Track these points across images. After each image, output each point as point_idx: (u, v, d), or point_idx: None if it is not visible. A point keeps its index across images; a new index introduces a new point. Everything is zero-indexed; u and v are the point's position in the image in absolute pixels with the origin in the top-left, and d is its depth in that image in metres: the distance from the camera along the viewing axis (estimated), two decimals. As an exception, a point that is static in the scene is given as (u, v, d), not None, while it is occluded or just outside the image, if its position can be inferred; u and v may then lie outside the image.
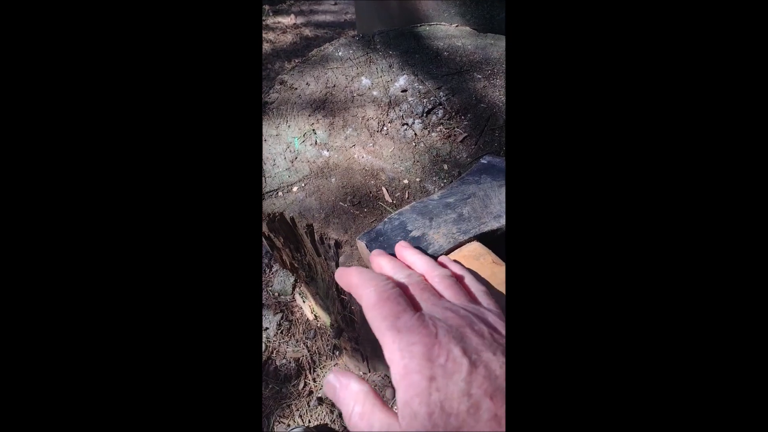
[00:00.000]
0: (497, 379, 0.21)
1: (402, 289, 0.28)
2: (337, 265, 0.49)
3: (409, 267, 0.32)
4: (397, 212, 0.43)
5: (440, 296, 0.28)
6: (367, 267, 0.45)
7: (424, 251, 0.36)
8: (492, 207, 0.43)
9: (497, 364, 0.22)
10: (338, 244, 0.47)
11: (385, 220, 0.42)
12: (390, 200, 0.49)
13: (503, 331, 0.25)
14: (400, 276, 0.30)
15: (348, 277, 0.29)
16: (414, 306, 0.26)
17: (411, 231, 0.40)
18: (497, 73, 0.63)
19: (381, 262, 0.33)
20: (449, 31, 0.71)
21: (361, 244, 0.41)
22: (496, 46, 0.67)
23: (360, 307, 0.58)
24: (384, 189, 0.50)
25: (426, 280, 0.30)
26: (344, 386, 0.25)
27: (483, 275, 0.35)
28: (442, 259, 0.34)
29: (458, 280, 0.30)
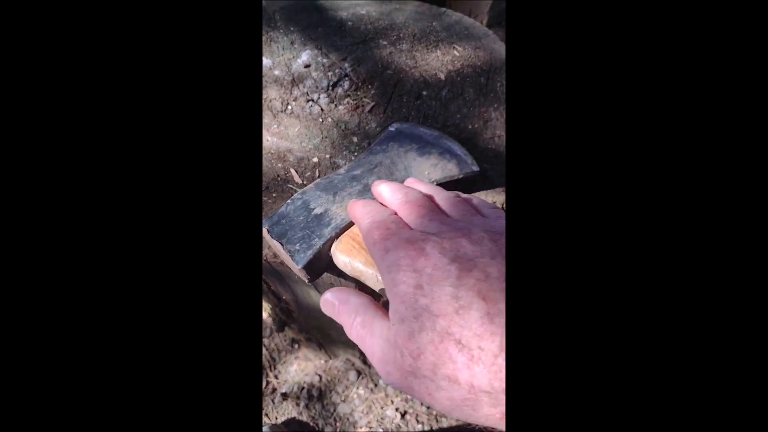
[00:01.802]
0: (494, 281, 0.21)
1: (400, 209, 0.29)
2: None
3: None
4: (300, 192, 0.41)
5: (442, 213, 0.28)
6: (275, 252, 0.43)
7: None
8: (397, 173, 0.42)
9: (495, 267, 0.22)
10: (249, 235, 0.44)
11: (288, 202, 0.40)
12: (300, 181, 0.47)
13: None
14: (398, 196, 0.30)
15: (353, 212, 0.31)
16: (409, 225, 0.27)
17: (314, 209, 0.38)
18: (403, 37, 0.61)
19: (381, 188, 0.32)
20: (353, 1, 0.68)
21: (263, 230, 0.39)
22: (401, 11, 0.65)
23: (293, 295, 0.56)
24: (293, 170, 0.48)
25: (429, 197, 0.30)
26: (344, 301, 0.26)
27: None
28: (455, 194, 0.34)
29: (466, 200, 0.30)
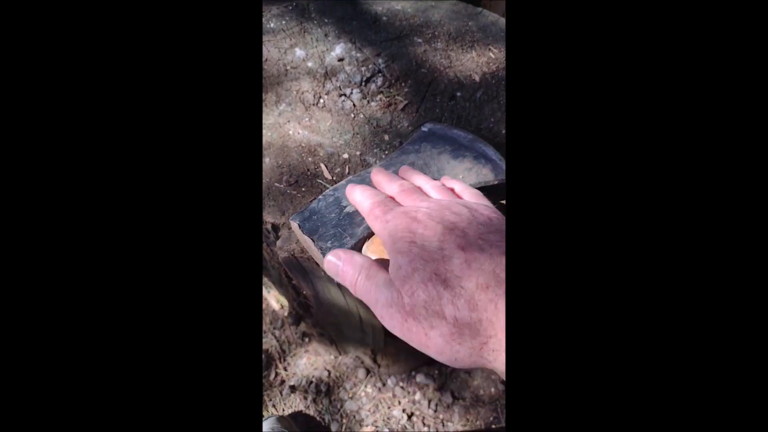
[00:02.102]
0: (470, 238, 0.25)
1: (396, 196, 0.33)
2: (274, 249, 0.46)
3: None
4: (332, 188, 0.40)
5: (429, 197, 0.32)
6: (302, 246, 0.42)
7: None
8: (430, 175, 0.41)
9: (471, 230, 0.26)
10: (276, 228, 0.44)
11: (320, 197, 0.40)
12: (329, 177, 0.47)
13: (485, 212, 0.28)
14: (394, 186, 0.34)
15: (352, 197, 0.34)
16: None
17: (345, 207, 0.38)
18: (438, 36, 0.60)
19: (378, 177, 0.37)
20: (388, -5, 0.67)
21: (294, 225, 0.39)
22: (437, 8, 0.64)
23: (314, 291, 0.56)
24: (323, 165, 0.47)
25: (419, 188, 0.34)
26: (347, 260, 0.29)
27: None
28: (444, 179, 0.38)
29: (450, 188, 0.35)
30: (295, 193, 0.45)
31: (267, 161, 0.48)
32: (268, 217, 0.44)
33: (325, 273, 0.39)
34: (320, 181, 0.46)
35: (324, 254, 0.35)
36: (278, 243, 0.43)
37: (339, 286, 0.50)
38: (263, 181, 0.46)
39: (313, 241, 0.36)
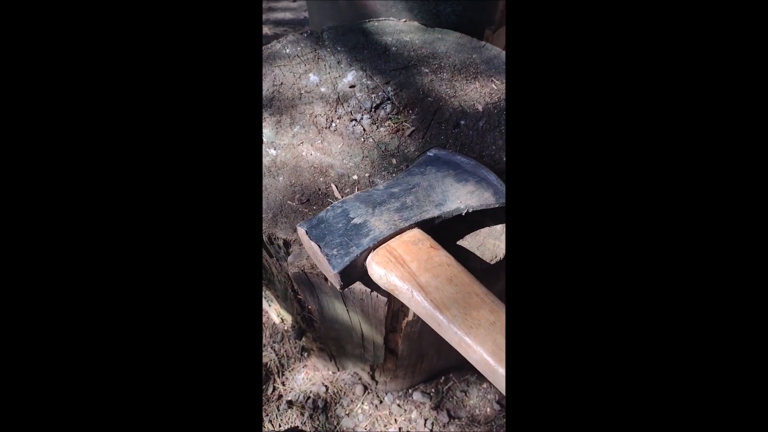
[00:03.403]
0: None
1: None
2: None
3: None
4: (340, 201, 0.43)
5: None
6: (312, 262, 0.44)
7: None
8: (434, 196, 0.43)
9: None
10: (287, 244, 0.46)
11: (328, 208, 0.42)
12: (339, 196, 0.49)
13: None
14: None
15: None
16: None
17: (353, 218, 0.40)
18: (444, 66, 0.63)
19: None
20: (397, 27, 0.71)
21: (301, 231, 0.41)
22: (443, 41, 0.68)
23: (318, 306, 0.57)
24: (333, 185, 0.50)
25: None
26: None
27: (421, 259, 0.36)
28: None
29: None
30: (307, 211, 0.48)
31: (281, 180, 0.50)
32: (281, 233, 0.46)
33: (331, 288, 0.41)
34: (330, 201, 0.49)
35: (329, 260, 0.37)
36: (289, 258, 0.45)
37: (344, 301, 0.52)
38: (277, 198, 0.49)
39: (320, 247, 0.38)
